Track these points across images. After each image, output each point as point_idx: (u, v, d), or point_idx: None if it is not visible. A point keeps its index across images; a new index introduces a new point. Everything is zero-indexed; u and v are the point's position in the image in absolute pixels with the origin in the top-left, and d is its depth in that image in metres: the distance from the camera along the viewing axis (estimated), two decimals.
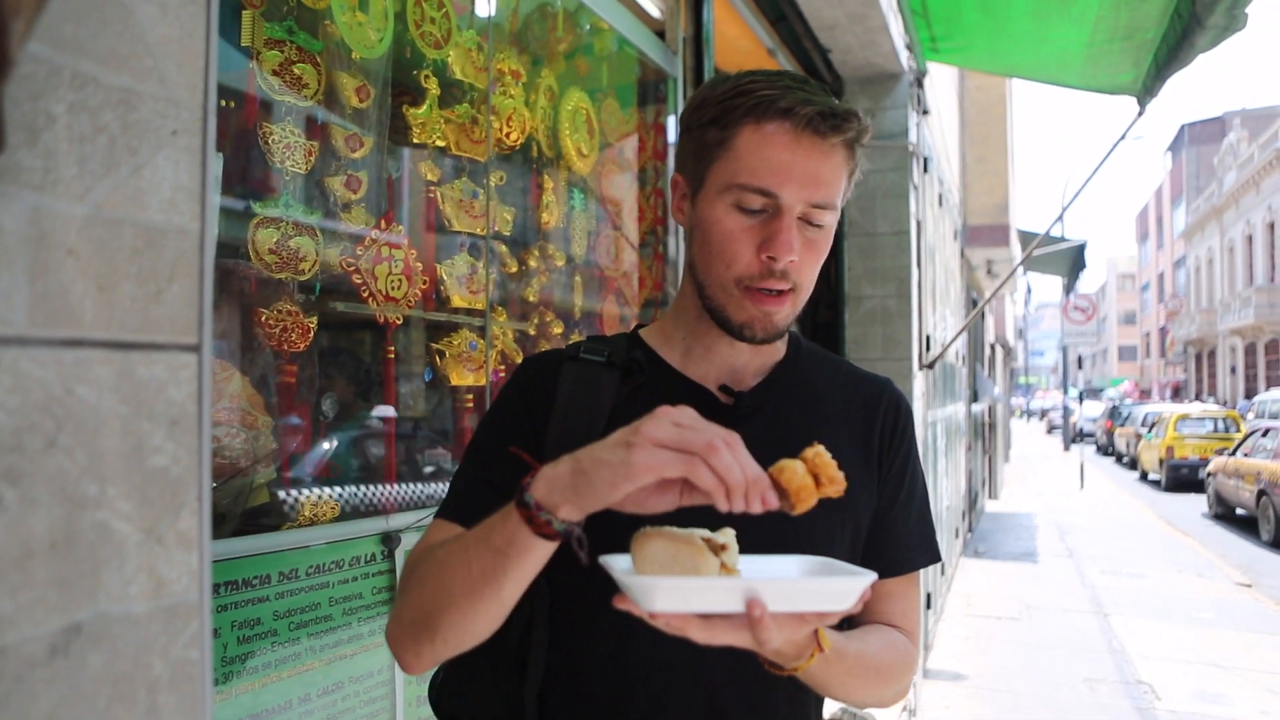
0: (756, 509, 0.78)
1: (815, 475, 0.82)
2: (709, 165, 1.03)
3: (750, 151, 0.99)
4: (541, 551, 0.84)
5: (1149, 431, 19.82)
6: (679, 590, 0.77)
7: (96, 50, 0.60)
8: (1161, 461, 17.89)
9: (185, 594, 0.67)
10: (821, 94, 1.01)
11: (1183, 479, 16.98)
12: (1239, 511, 13.14)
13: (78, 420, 0.59)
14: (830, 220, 1.03)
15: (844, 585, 0.80)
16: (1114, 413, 29.03)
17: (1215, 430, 17.43)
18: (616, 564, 0.83)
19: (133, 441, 0.62)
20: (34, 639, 0.56)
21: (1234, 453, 13.36)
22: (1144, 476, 20.12)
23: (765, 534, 0.99)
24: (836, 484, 0.82)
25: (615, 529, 0.87)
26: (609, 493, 0.78)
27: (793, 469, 0.81)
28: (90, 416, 0.60)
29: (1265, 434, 12.71)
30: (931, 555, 1.16)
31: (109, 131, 0.61)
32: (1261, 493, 11.55)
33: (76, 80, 0.59)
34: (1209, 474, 14.34)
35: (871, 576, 0.81)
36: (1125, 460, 23.98)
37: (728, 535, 0.82)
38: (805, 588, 0.82)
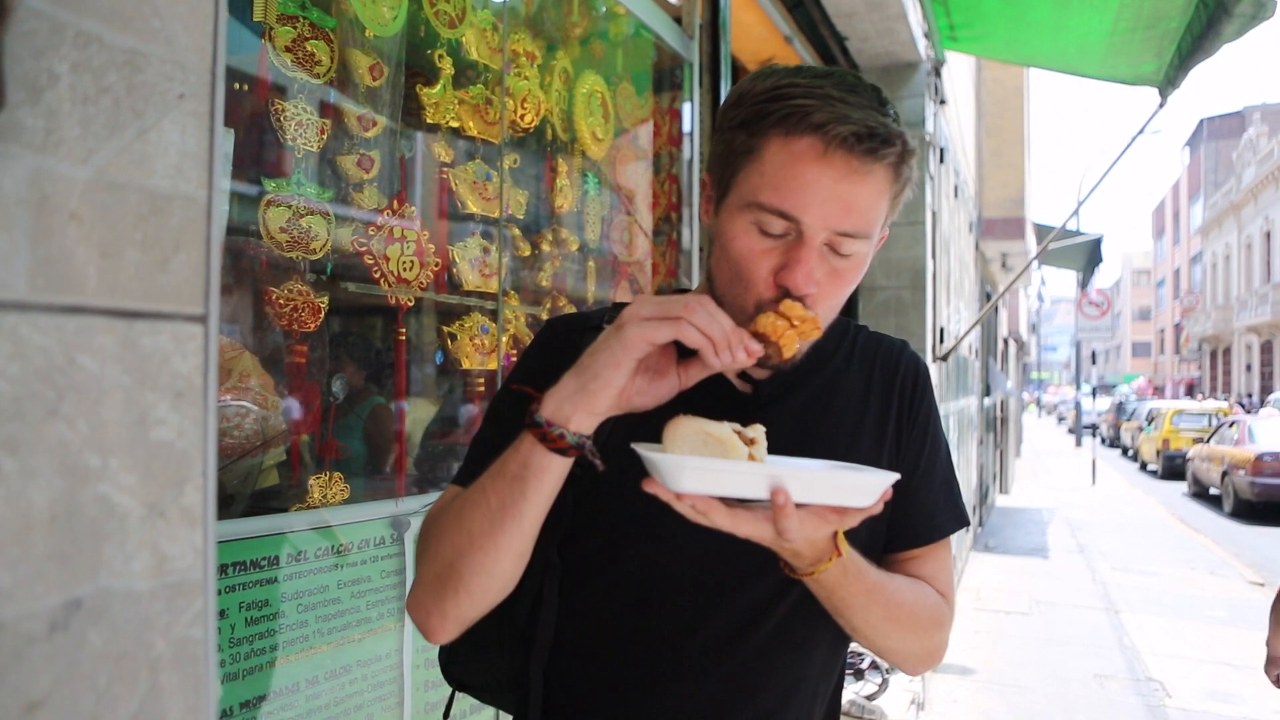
0: (743, 359, 0.84)
1: (788, 319, 0.88)
2: (734, 173, 0.95)
3: (776, 168, 0.90)
4: (558, 470, 0.87)
5: (1149, 425, 21.75)
6: (706, 471, 0.79)
7: (100, 8, 0.58)
8: (1159, 452, 19.79)
9: (189, 571, 0.65)
10: (867, 105, 0.90)
11: (1176, 468, 18.73)
12: (1212, 491, 15.25)
13: (80, 390, 0.57)
14: (861, 249, 0.94)
15: (868, 480, 0.82)
16: (1120, 408, 31.29)
17: (1209, 425, 18.56)
18: (647, 450, 0.84)
19: (136, 413, 0.61)
20: (33, 614, 0.55)
21: (1208, 441, 15.67)
22: (1144, 467, 21.97)
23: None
24: (808, 322, 0.88)
25: (653, 512, 0.86)
26: (613, 374, 0.83)
27: (767, 318, 0.88)
28: (93, 386, 0.58)
29: (1231, 425, 15.00)
30: (959, 520, 1.12)
31: (113, 93, 0.59)
32: (1224, 473, 13.97)
33: (80, 39, 0.57)
34: (1188, 459, 16.72)
35: (893, 476, 0.82)
36: (1130, 453, 25.48)
37: (757, 431, 0.84)
38: (830, 479, 0.84)
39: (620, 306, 1.12)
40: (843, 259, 0.93)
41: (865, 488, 0.82)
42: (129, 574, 0.61)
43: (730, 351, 0.83)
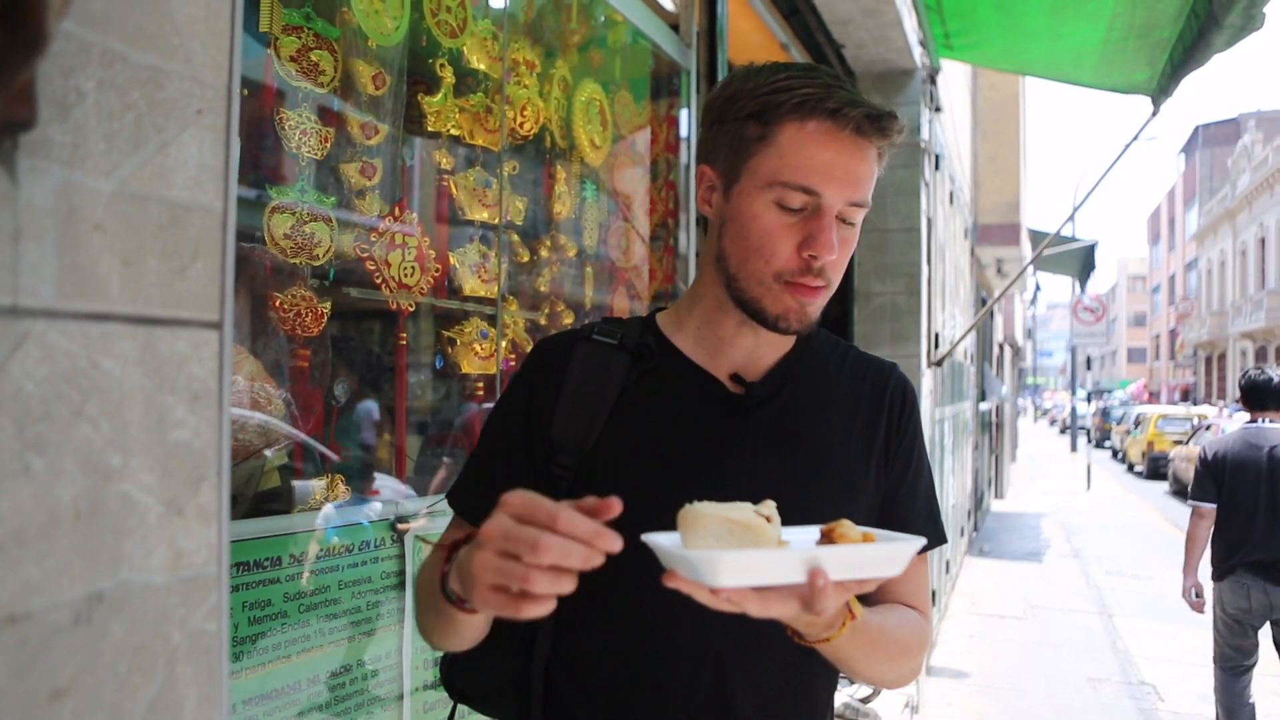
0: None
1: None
2: (747, 160, 1.03)
3: (794, 150, 0.99)
4: (482, 616, 0.95)
5: (1136, 429, 23.16)
6: (745, 564, 0.77)
7: (125, 28, 0.61)
8: (1144, 454, 21.10)
9: (204, 567, 0.68)
10: (859, 93, 1.02)
11: (1160, 469, 19.97)
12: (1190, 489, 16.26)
13: (103, 392, 0.60)
14: (861, 218, 1.05)
15: (899, 550, 0.82)
16: (1105, 413, 34.25)
17: (1191, 428, 19.43)
18: (664, 542, 0.82)
19: (155, 415, 0.64)
20: (59, 606, 0.57)
21: (1187, 443, 16.66)
22: (1130, 468, 23.31)
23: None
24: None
25: (643, 513, 0.88)
26: (474, 597, 0.79)
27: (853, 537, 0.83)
28: (115, 389, 0.61)
29: (1207, 428, 15.78)
30: (939, 537, 1.17)
31: (136, 109, 0.62)
32: None
33: (106, 58, 0.60)
34: (1170, 459, 17.86)
35: (920, 541, 0.83)
36: (1119, 455, 26.95)
37: (769, 508, 0.83)
38: (863, 554, 0.82)
39: (612, 321, 1.16)
40: (849, 227, 1.05)
41: (897, 557, 0.82)
42: (148, 569, 0.63)
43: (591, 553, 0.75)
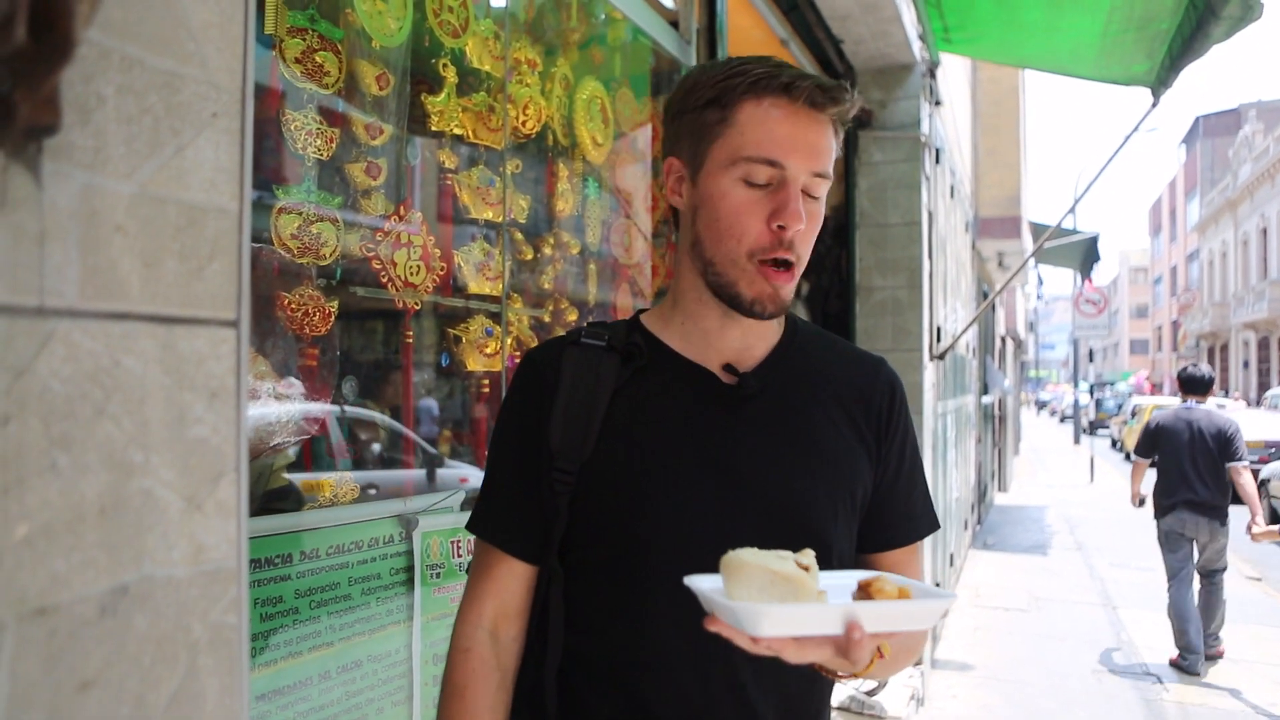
0: None
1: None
2: (710, 144, 1.06)
3: (754, 126, 1.02)
4: None
5: (1132, 418, 23.75)
6: (787, 617, 0.80)
7: (142, 34, 0.62)
8: None
9: (224, 560, 0.69)
10: (807, 72, 1.06)
11: None
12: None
13: (125, 390, 0.61)
14: (824, 192, 1.08)
15: (934, 606, 0.84)
16: (1099, 403, 35.94)
17: None
18: (704, 585, 0.85)
19: (175, 412, 0.65)
20: (85, 599, 0.59)
21: None
22: (1127, 457, 24.72)
23: (767, 509, 1.04)
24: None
25: (648, 509, 0.90)
26: None
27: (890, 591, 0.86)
28: (136, 387, 0.62)
29: None
30: (933, 524, 1.22)
31: (154, 113, 0.63)
32: None
33: (124, 63, 0.61)
34: None
35: (954, 597, 0.85)
36: (1117, 445, 27.92)
37: (808, 557, 0.85)
38: (900, 610, 0.84)
39: (598, 324, 1.18)
40: (814, 201, 1.06)
41: (932, 613, 0.85)
42: (170, 562, 0.65)
43: None
